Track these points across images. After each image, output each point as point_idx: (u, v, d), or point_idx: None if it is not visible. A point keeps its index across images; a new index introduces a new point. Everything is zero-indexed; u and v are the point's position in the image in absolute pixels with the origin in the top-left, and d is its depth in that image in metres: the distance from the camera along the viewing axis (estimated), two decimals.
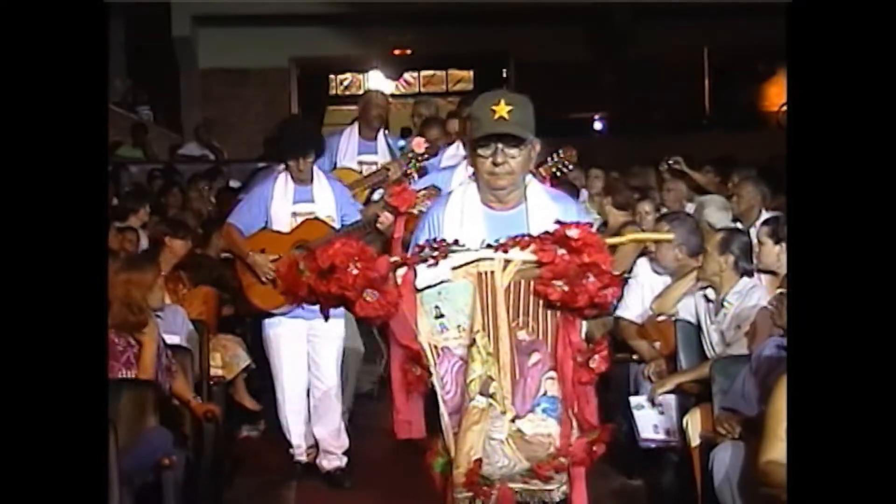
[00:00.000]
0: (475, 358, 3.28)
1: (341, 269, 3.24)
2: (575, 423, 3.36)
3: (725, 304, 5.32)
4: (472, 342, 3.29)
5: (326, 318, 3.53)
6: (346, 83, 18.33)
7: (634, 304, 5.97)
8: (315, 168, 6.02)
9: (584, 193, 8.63)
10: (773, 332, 4.75)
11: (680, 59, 16.05)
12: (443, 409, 3.36)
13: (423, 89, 17.87)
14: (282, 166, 6.06)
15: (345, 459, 6.03)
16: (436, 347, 3.35)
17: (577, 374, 3.32)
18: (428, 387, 3.35)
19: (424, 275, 3.31)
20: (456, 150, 6.89)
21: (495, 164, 3.44)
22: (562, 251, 3.25)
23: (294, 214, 5.94)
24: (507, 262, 3.31)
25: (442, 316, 3.33)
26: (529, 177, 3.61)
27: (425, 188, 5.65)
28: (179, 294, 6.59)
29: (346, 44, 16.22)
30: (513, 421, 3.31)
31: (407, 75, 18.38)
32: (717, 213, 7.19)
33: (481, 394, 3.27)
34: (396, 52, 16.91)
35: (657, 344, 5.78)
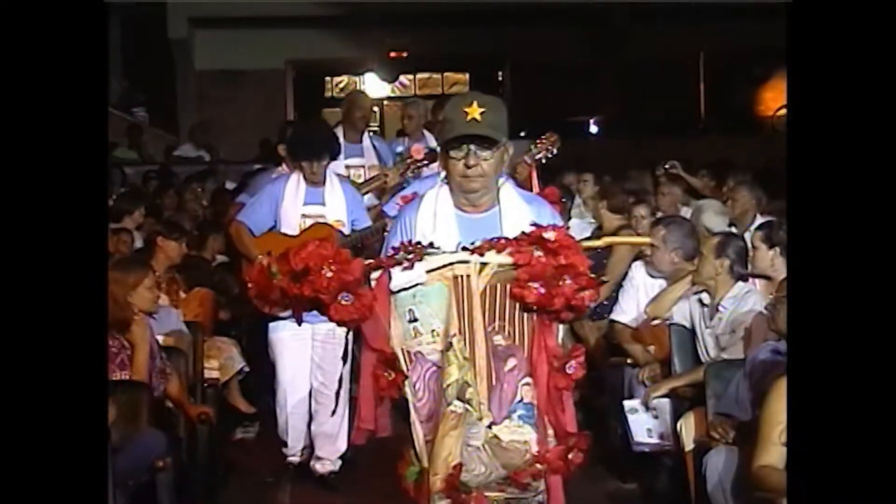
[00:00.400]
0: (452, 362, 3.24)
1: (315, 271, 3.21)
2: (551, 431, 3.33)
3: (720, 308, 5.31)
4: (449, 346, 3.25)
5: (299, 321, 3.52)
6: (341, 85, 18.33)
7: (629, 308, 5.97)
8: (328, 171, 5.97)
9: (577, 198, 8.64)
10: (767, 337, 4.76)
11: (676, 63, 16.07)
12: (414, 417, 3.32)
13: (419, 92, 17.88)
14: (283, 167, 6.01)
15: (339, 463, 6.00)
16: (408, 353, 3.32)
17: (553, 380, 3.29)
18: (402, 392, 3.32)
19: (399, 278, 3.28)
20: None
21: (467, 166, 3.38)
22: (538, 253, 3.23)
23: (304, 216, 5.88)
24: (483, 265, 3.28)
25: (416, 320, 3.29)
26: (502, 179, 3.56)
27: (395, 166, 5.63)
28: (175, 296, 6.59)
29: (342, 46, 16.22)
30: (489, 427, 3.28)
31: (403, 78, 18.37)
32: (714, 217, 7.19)
33: (458, 399, 3.24)
34: (392, 54, 16.90)
35: (651, 348, 5.78)
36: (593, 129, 16.03)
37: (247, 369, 6.86)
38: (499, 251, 3.27)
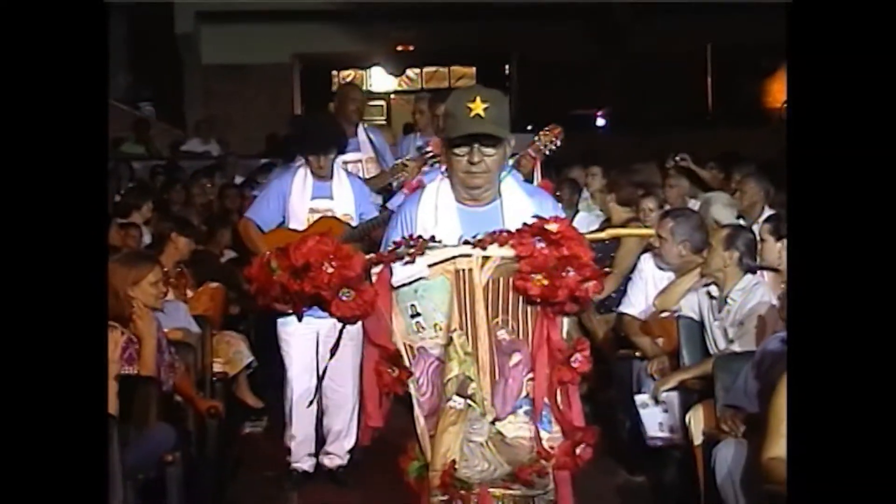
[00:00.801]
0: (452, 357, 3.21)
1: (316, 267, 3.16)
2: (557, 427, 3.28)
3: (729, 300, 5.31)
4: (449, 341, 3.21)
5: (300, 318, 3.42)
6: (348, 79, 18.32)
7: (637, 301, 5.96)
8: (335, 164, 5.94)
9: (585, 191, 8.63)
10: (777, 328, 4.75)
11: (683, 56, 16.06)
12: (418, 412, 3.29)
13: (425, 85, 17.90)
14: (300, 161, 5.98)
15: (347, 458, 5.99)
16: (411, 347, 3.28)
17: (558, 374, 3.24)
18: (406, 388, 3.28)
19: (400, 272, 3.23)
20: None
21: (471, 162, 3.34)
22: (541, 244, 3.19)
23: (312, 210, 5.84)
24: (486, 258, 3.23)
25: (418, 315, 3.25)
26: (505, 172, 3.52)
27: (413, 160, 5.59)
28: (184, 290, 6.60)
29: (348, 40, 16.23)
30: (493, 423, 3.24)
31: (409, 71, 18.39)
32: (723, 209, 7.18)
33: (458, 394, 3.20)
34: (399, 48, 16.92)
35: (660, 340, 5.78)
36: (600, 122, 16.02)
37: (255, 364, 6.86)
38: (501, 244, 3.23)
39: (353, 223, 5.83)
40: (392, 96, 19.12)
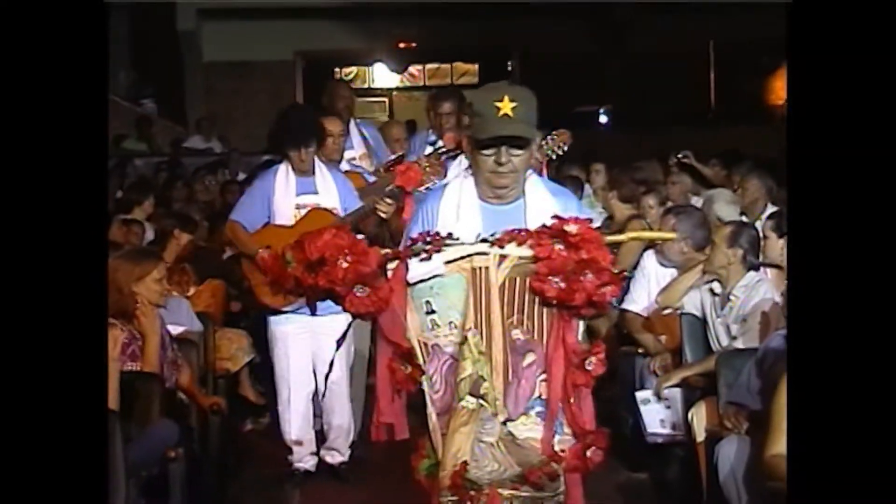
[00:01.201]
0: (466, 357, 3.16)
1: (331, 261, 3.12)
2: (568, 429, 3.23)
3: (731, 297, 5.32)
4: (464, 340, 3.17)
5: (313, 312, 3.40)
6: (350, 76, 18.34)
7: (640, 297, 5.96)
8: (316, 159, 5.90)
9: (587, 188, 8.63)
10: (780, 325, 4.75)
11: (685, 53, 16.05)
12: (431, 410, 3.24)
13: (428, 82, 17.90)
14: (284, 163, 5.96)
15: (348, 453, 5.98)
16: (425, 345, 3.23)
17: (572, 377, 3.19)
18: (418, 386, 3.23)
19: (416, 269, 3.18)
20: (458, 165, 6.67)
21: (498, 163, 3.30)
22: (559, 246, 3.13)
23: (298, 207, 5.81)
24: (503, 257, 3.18)
25: (433, 312, 3.20)
26: (529, 170, 3.46)
27: (429, 164, 5.58)
28: (186, 287, 6.60)
29: (351, 37, 16.23)
30: (504, 424, 3.19)
31: (412, 68, 18.40)
32: (725, 206, 7.18)
33: (471, 394, 3.16)
34: (401, 44, 16.92)
35: (663, 337, 5.78)
36: (603, 119, 16.02)
37: (257, 360, 6.86)
38: (519, 243, 3.17)
39: (341, 215, 5.77)
40: (394, 93, 19.12)
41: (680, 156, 8.69)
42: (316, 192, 5.85)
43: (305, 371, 5.89)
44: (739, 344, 5.16)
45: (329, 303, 5.55)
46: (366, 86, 19.02)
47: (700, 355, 5.45)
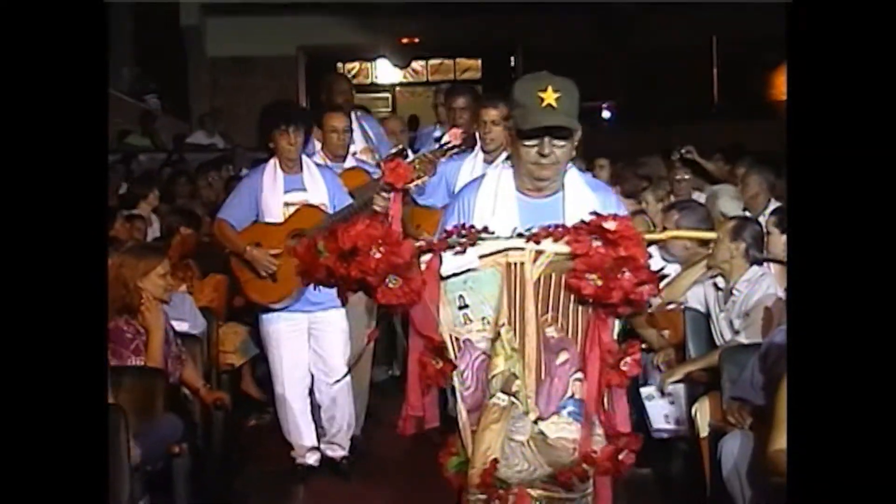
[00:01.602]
0: (499, 353, 3.09)
1: (364, 251, 3.04)
2: (601, 430, 3.17)
3: (735, 291, 5.32)
4: (497, 336, 3.10)
5: (344, 302, 3.31)
6: (353, 71, 18.33)
7: None
8: (304, 157, 5.89)
9: None
10: (783, 320, 4.75)
11: (688, 48, 16.04)
12: (461, 406, 3.17)
13: (430, 78, 17.90)
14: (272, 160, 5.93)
15: (349, 446, 5.99)
16: (457, 340, 3.16)
17: (606, 377, 3.13)
18: (449, 381, 3.16)
19: (450, 262, 3.12)
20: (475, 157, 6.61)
21: (542, 154, 3.27)
22: (597, 243, 3.08)
23: (286, 204, 5.77)
24: (539, 252, 3.12)
25: (466, 306, 3.14)
26: (569, 164, 3.42)
27: (419, 160, 5.55)
28: (190, 283, 6.61)
29: (354, 32, 16.22)
30: (535, 422, 3.12)
31: (415, 64, 18.39)
32: (729, 202, 7.19)
33: (503, 391, 3.09)
34: (404, 40, 16.91)
35: (666, 332, 5.78)
36: (605, 114, 16.01)
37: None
38: (556, 239, 3.11)
39: (329, 212, 5.76)
40: (397, 89, 19.11)
41: (683, 151, 8.69)
42: (304, 189, 5.82)
43: (300, 368, 5.88)
44: (742, 338, 5.16)
45: (324, 298, 5.62)
46: (369, 81, 19.02)
47: (703, 350, 5.46)
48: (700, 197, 7.58)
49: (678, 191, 7.75)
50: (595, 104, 15.64)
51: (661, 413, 5.44)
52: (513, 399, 3.10)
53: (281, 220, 5.77)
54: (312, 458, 6.00)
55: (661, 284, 5.81)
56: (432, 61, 18.53)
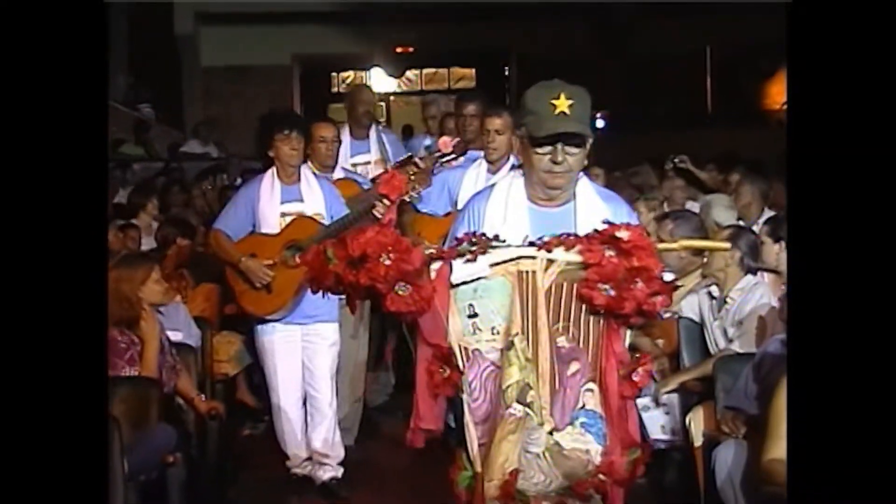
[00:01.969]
0: (513, 363, 3.05)
1: (373, 258, 3.02)
2: (616, 440, 3.12)
3: (728, 299, 5.34)
4: (510, 345, 3.06)
5: (353, 310, 3.28)
6: (348, 80, 18.34)
7: None
8: (302, 167, 5.86)
9: None
10: (776, 330, 4.76)
11: (682, 56, 16.06)
12: (468, 418, 3.13)
13: (424, 87, 17.91)
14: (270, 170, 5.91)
15: (340, 470, 5.90)
16: (465, 349, 3.12)
17: (619, 388, 3.11)
18: (457, 389, 3.12)
19: (461, 270, 3.09)
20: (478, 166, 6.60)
21: (555, 162, 3.23)
22: (610, 253, 3.05)
23: (283, 215, 5.74)
24: (550, 261, 3.09)
25: (475, 315, 3.11)
26: (580, 173, 3.38)
27: (414, 172, 5.53)
28: (185, 292, 6.61)
29: (348, 41, 16.23)
30: (550, 433, 3.09)
31: (409, 73, 18.40)
32: (723, 211, 7.20)
33: (518, 402, 3.05)
34: (398, 49, 16.92)
35: (660, 342, 5.79)
36: (599, 123, 16.03)
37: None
38: (568, 248, 3.09)
39: (326, 223, 5.73)
40: (391, 97, 19.12)
41: (676, 160, 8.69)
42: (301, 200, 5.79)
43: (295, 379, 5.85)
44: (736, 347, 5.17)
45: (318, 311, 5.59)
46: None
47: (697, 359, 5.47)
48: (693, 206, 7.59)
49: (671, 200, 7.76)
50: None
51: (657, 424, 5.44)
52: (527, 410, 3.06)
53: (277, 230, 5.74)
54: (307, 469, 5.97)
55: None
56: (426, 70, 18.54)
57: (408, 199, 5.32)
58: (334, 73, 18.28)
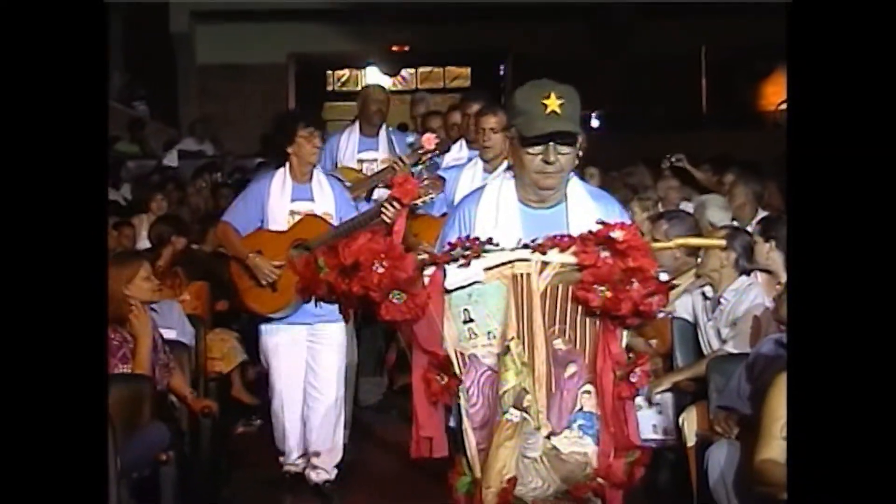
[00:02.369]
0: (509, 367, 3.02)
1: (366, 266, 2.98)
2: (614, 443, 3.11)
3: (722, 300, 5.34)
4: (506, 350, 3.03)
5: (346, 319, 3.25)
6: (343, 79, 18.32)
7: None
8: (315, 169, 5.83)
9: None
10: (769, 330, 4.77)
11: (677, 57, 16.06)
12: (466, 424, 3.10)
13: (420, 86, 17.85)
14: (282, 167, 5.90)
15: (334, 472, 5.87)
16: (462, 355, 3.09)
17: (616, 389, 3.08)
18: (455, 397, 3.09)
19: (454, 275, 3.05)
20: (459, 151, 6.70)
21: (547, 161, 3.18)
22: (605, 254, 3.03)
23: (292, 213, 5.73)
24: (545, 264, 3.06)
25: (471, 321, 3.07)
26: (570, 173, 3.34)
27: (428, 178, 5.51)
28: (178, 290, 6.60)
29: (343, 40, 16.20)
30: (548, 438, 3.07)
31: (404, 71, 18.37)
32: (718, 212, 7.20)
33: (515, 407, 3.02)
34: (394, 48, 16.90)
35: (653, 341, 5.78)
36: (594, 123, 16.03)
37: (249, 361, 6.85)
38: (562, 250, 3.06)
39: (335, 223, 5.72)
40: (389, 94, 19.08)
41: (674, 159, 8.68)
42: (312, 199, 5.77)
43: (297, 383, 5.81)
44: (730, 347, 5.17)
45: (325, 311, 5.55)
46: (358, 89, 18.96)
47: (691, 359, 5.47)
48: (688, 206, 7.59)
49: (666, 200, 7.76)
50: (583, 112, 15.64)
51: (648, 423, 5.43)
52: (524, 415, 3.03)
53: (285, 228, 5.72)
54: (301, 466, 5.93)
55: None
56: (422, 69, 18.51)
57: (420, 204, 5.30)
58: (330, 72, 18.25)
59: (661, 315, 5.69)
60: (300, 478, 5.93)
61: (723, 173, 8.61)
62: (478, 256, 3.07)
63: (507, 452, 3.02)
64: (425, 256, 3.12)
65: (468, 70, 18.35)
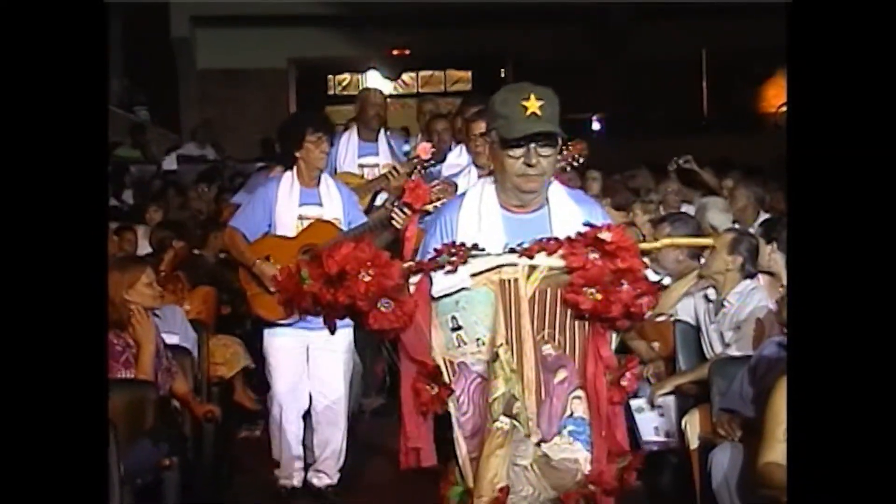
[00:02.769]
0: (498, 374, 2.96)
1: (352, 275, 2.91)
2: (605, 448, 3.07)
3: (726, 304, 5.33)
4: (495, 357, 2.98)
5: (332, 330, 3.19)
6: (344, 83, 18.33)
7: None
8: (323, 174, 5.79)
9: None
10: (772, 333, 4.77)
11: (678, 61, 16.08)
12: (457, 433, 3.05)
13: (421, 90, 17.87)
14: (280, 169, 5.87)
15: (337, 477, 5.82)
16: (451, 363, 3.04)
17: (608, 393, 3.04)
18: (445, 407, 3.04)
19: (441, 282, 3.00)
20: (458, 157, 6.69)
21: (528, 164, 3.12)
22: (594, 255, 2.98)
23: (300, 218, 5.67)
24: (532, 268, 3.01)
25: (459, 328, 3.02)
26: (551, 178, 3.28)
27: (439, 182, 5.49)
28: (181, 294, 6.60)
29: (344, 44, 16.24)
30: (538, 445, 3.03)
31: (405, 76, 18.38)
32: (719, 214, 7.21)
33: (505, 414, 2.97)
34: (395, 52, 16.93)
35: (656, 345, 5.78)
36: (595, 126, 16.03)
37: (252, 366, 6.85)
38: (550, 253, 3.01)
39: (343, 228, 5.67)
40: (388, 100, 19.09)
41: (682, 161, 8.65)
42: (320, 204, 5.72)
43: (298, 388, 5.75)
44: (733, 351, 5.17)
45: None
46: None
47: (693, 362, 5.46)
48: (689, 209, 7.60)
49: (668, 203, 7.76)
50: (585, 116, 15.66)
51: (650, 425, 5.44)
52: (514, 422, 2.99)
53: (293, 233, 5.66)
54: (297, 479, 5.84)
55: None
56: (423, 73, 18.53)
57: (431, 210, 5.30)
58: (330, 76, 18.27)
59: (662, 318, 5.71)
60: (296, 492, 5.84)
61: (722, 176, 8.62)
62: (464, 262, 3.03)
63: (499, 461, 2.98)
64: (411, 263, 3.07)
65: (469, 74, 18.37)
